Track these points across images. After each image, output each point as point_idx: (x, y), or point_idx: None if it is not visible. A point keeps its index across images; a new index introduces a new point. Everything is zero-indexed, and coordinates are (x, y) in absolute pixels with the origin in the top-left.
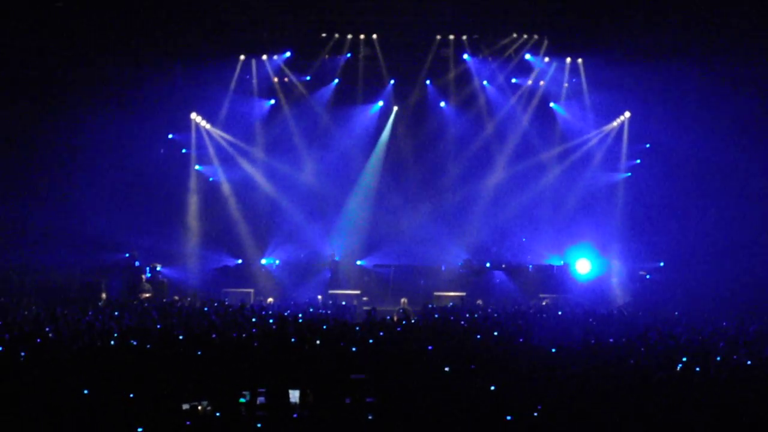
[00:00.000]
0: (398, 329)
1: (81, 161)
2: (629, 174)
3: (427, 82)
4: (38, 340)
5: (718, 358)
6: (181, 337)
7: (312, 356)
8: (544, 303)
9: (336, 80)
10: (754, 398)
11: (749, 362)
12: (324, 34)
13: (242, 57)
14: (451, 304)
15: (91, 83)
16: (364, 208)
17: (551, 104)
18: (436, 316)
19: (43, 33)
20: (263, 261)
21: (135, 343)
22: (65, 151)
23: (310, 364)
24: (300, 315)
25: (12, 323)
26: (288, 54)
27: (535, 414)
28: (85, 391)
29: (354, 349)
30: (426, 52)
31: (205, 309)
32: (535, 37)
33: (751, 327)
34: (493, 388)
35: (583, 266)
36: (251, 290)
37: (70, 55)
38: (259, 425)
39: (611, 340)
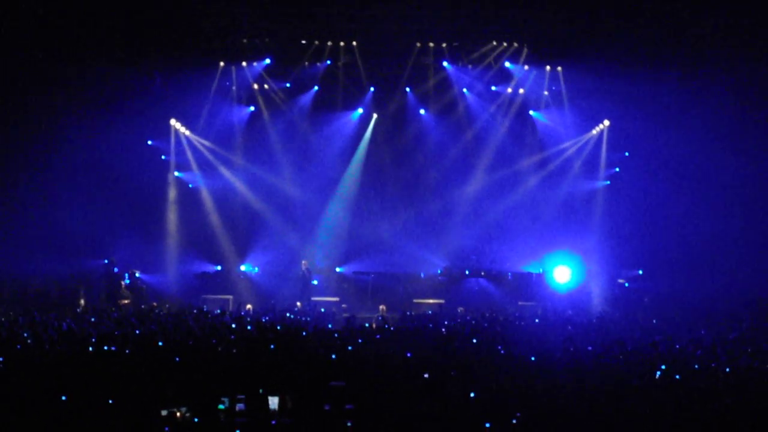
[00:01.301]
0: (377, 336)
1: (60, 167)
2: (608, 182)
3: (407, 89)
4: (17, 346)
5: (696, 366)
6: (160, 344)
7: (291, 363)
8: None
9: (316, 87)
10: (732, 406)
11: (727, 370)
12: (304, 41)
13: (222, 64)
14: (429, 312)
15: (70, 89)
16: (343, 215)
17: (531, 112)
18: (415, 323)
19: (23, 38)
20: (242, 267)
21: (114, 349)
22: (44, 156)
23: (289, 371)
24: (279, 322)
25: None
26: (268, 61)
27: (514, 421)
28: (63, 397)
29: (333, 356)
30: (406, 59)
31: (184, 316)
32: (515, 44)
33: (730, 335)
34: (473, 395)
35: (562, 274)
36: (230, 297)
37: (49, 60)
38: None
39: (590, 347)
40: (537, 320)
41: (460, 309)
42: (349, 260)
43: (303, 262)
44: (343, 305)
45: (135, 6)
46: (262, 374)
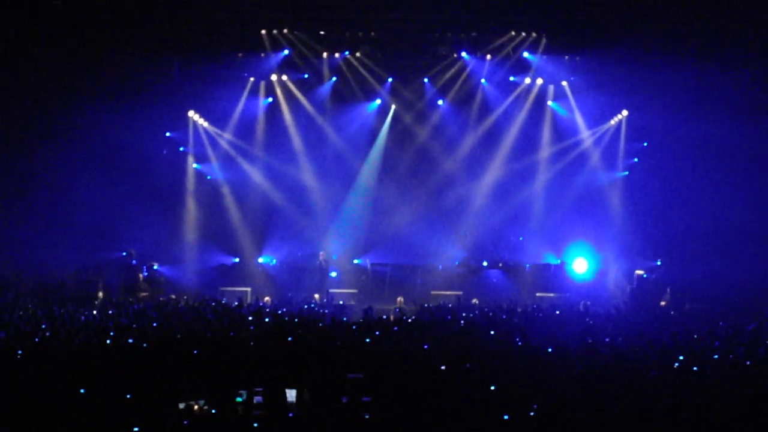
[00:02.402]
0: (395, 328)
1: (78, 159)
2: (627, 173)
3: (425, 80)
4: (35, 339)
5: (716, 357)
6: (178, 336)
7: (308, 355)
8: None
9: (333, 78)
10: (751, 397)
11: (747, 362)
12: (322, 32)
13: (240, 55)
14: (450, 305)
15: (89, 81)
16: (361, 206)
17: (549, 102)
18: (433, 315)
19: (41, 30)
20: (260, 260)
21: (132, 341)
22: (62, 149)
23: (307, 364)
24: (296, 314)
25: (9, 322)
26: (286, 52)
27: (532, 413)
28: (82, 390)
29: (350, 348)
30: (424, 49)
31: (202, 308)
32: (534, 35)
33: (749, 326)
34: (491, 387)
35: (580, 265)
36: (248, 289)
37: (68, 52)
38: (255, 425)
39: (608, 339)
40: (558, 312)
41: (474, 300)
42: (367, 252)
43: (321, 253)
44: (361, 297)
45: None
46: (279, 367)
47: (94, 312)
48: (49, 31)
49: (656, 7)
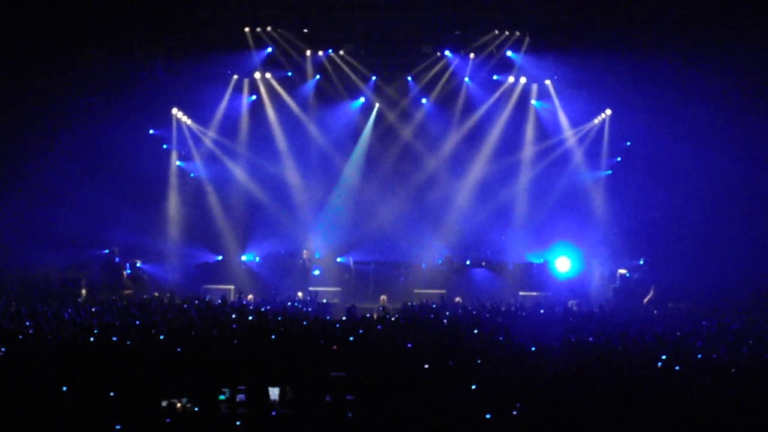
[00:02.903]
0: (378, 327)
1: (61, 157)
2: (610, 172)
3: (409, 78)
4: (19, 337)
5: (699, 356)
6: (161, 334)
7: (292, 353)
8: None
9: (317, 76)
10: (734, 397)
11: (730, 361)
12: (305, 30)
13: (224, 52)
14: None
15: (72, 78)
16: (344, 204)
17: (532, 101)
18: (416, 313)
19: (23, 26)
20: (243, 257)
21: (115, 339)
22: (44, 146)
23: (290, 362)
24: (280, 312)
25: None
26: (269, 50)
27: (515, 412)
28: (65, 388)
29: (334, 346)
30: (408, 48)
31: (186, 306)
32: (517, 33)
33: (732, 325)
34: (474, 386)
35: (563, 264)
36: (231, 287)
37: (50, 50)
38: (238, 423)
39: (591, 338)
40: (542, 311)
41: (457, 299)
42: (351, 250)
43: (304, 252)
44: (344, 295)
45: None
46: (262, 365)
47: (78, 310)
48: (31, 27)
49: (640, 7)
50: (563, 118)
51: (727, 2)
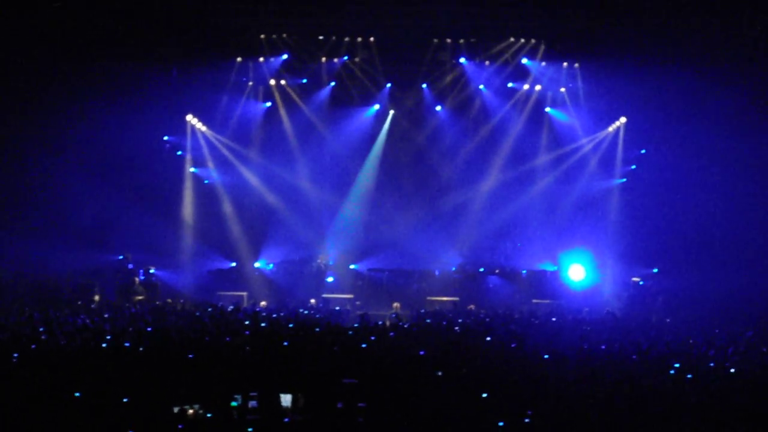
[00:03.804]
0: (391, 334)
1: (76, 162)
2: (624, 180)
3: (424, 85)
4: (32, 344)
5: (711, 364)
6: (173, 340)
7: (304, 360)
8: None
9: (332, 83)
10: (746, 405)
11: (742, 369)
12: (321, 37)
13: (239, 59)
14: (446, 311)
15: (88, 85)
16: (358, 211)
17: (547, 109)
18: (429, 320)
19: (40, 32)
20: (257, 264)
21: (128, 345)
22: (61, 153)
23: (302, 368)
24: (292, 319)
25: (5, 325)
26: (285, 56)
27: (527, 420)
28: (77, 393)
29: (346, 353)
30: (423, 55)
31: (198, 313)
32: (533, 41)
33: (745, 334)
34: (484, 395)
35: (577, 272)
36: (244, 293)
37: (66, 56)
38: (250, 429)
39: (603, 346)
40: (554, 319)
41: (470, 306)
42: (364, 257)
43: (320, 257)
44: (357, 302)
45: (152, 2)
46: (275, 371)
47: (91, 315)
48: (48, 34)
49: (655, 15)
50: (578, 126)
51: (743, 17)
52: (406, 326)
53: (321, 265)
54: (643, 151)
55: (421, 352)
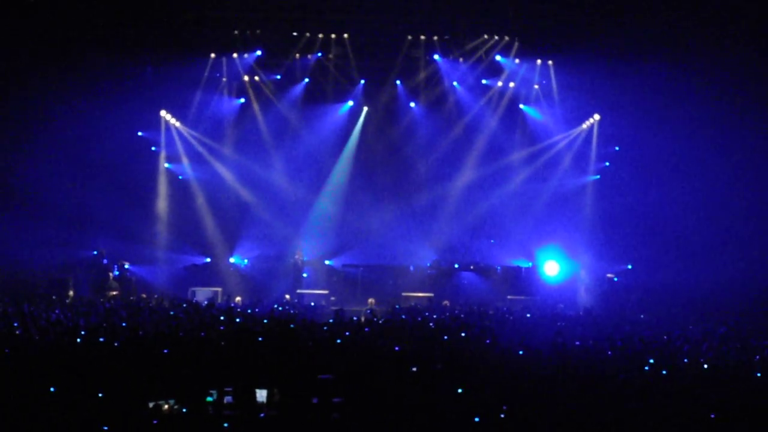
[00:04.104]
0: (366, 329)
1: (50, 158)
2: (598, 176)
3: (398, 82)
4: (6, 337)
5: (685, 361)
6: (148, 336)
7: (279, 356)
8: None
9: (306, 79)
10: (720, 400)
11: (715, 364)
12: (295, 33)
13: (213, 55)
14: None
15: (61, 80)
16: (333, 207)
17: (521, 106)
18: (404, 316)
19: (15, 27)
20: (232, 259)
21: (102, 340)
22: (34, 148)
23: (278, 364)
24: (267, 314)
25: None
26: (259, 53)
27: (502, 415)
28: (52, 389)
29: (321, 349)
30: (397, 52)
31: (173, 308)
32: (506, 38)
33: (719, 329)
34: (459, 390)
35: (551, 268)
36: (219, 289)
37: (40, 51)
38: (225, 425)
39: (578, 342)
40: (528, 315)
41: (444, 302)
42: (339, 253)
43: (297, 252)
44: (332, 298)
45: None
46: (250, 367)
47: (65, 311)
48: (23, 29)
49: (628, 13)
50: (552, 123)
51: (714, 6)
52: (381, 322)
53: (298, 261)
54: (616, 148)
55: (396, 348)
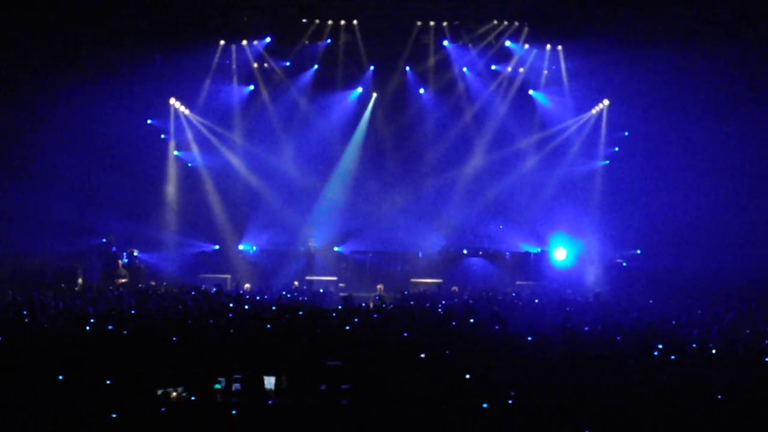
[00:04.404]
0: (374, 316)
1: (59, 146)
2: (607, 162)
3: (407, 68)
4: (15, 325)
5: (694, 346)
6: (157, 323)
7: (288, 343)
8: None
9: (315, 66)
10: (728, 385)
11: (723, 349)
12: (304, 20)
13: (222, 42)
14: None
15: (70, 68)
16: (342, 194)
17: (530, 91)
18: (412, 302)
19: (24, 15)
20: (240, 247)
21: (111, 328)
22: (43, 136)
23: (286, 351)
24: (276, 301)
25: None
26: (268, 39)
27: (510, 401)
28: (60, 377)
29: (330, 335)
30: (406, 38)
31: (182, 295)
32: (516, 23)
33: (728, 315)
34: (467, 377)
35: (560, 254)
36: (228, 276)
37: (48, 39)
38: (234, 411)
39: (587, 328)
40: (537, 300)
41: (453, 288)
42: (348, 239)
43: (310, 239)
44: (341, 284)
45: None
46: (258, 354)
47: (74, 298)
48: (32, 16)
49: None
50: (561, 109)
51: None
52: (389, 308)
53: (309, 247)
54: (626, 134)
55: (405, 334)
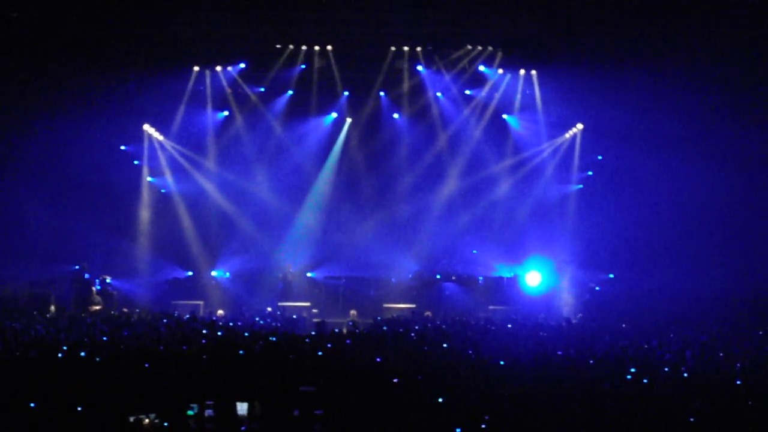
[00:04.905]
0: (347, 341)
1: (31, 171)
2: (581, 186)
3: (381, 93)
4: None
5: (666, 369)
6: (129, 350)
7: (260, 368)
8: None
9: (290, 91)
10: (700, 409)
11: (696, 373)
12: (278, 45)
13: (196, 68)
14: (403, 318)
15: (42, 93)
16: (315, 219)
17: (504, 116)
18: (385, 328)
19: None
20: (214, 273)
21: (83, 355)
22: (14, 160)
23: (259, 377)
24: (249, 327)
25: None
26: (242, 65)
27: (483, 426)
28: (32, 404)
29: (303, 361)
30: (380, 63)
31: (155, 322)
32: (490, 49)
33: (701, 337)
34: (440, 400)
35: (534, 278)
36: (201, 302)
37: (21, 65)
38: None
39: (560, 352)
40: (509, 325)
41: (426, 313)
42: (321, 265)
43: (288, 264)
44: (314, 310)
45: (109, 9)
46: (231, 380)
47: (46, 325)
48: (3, 42)
49: (611, 23)
50: (535, 133)
51: (695, 16)
52: (362, 333)
53: (287, 273)
54: (599, 158)
55: (378, 359)
